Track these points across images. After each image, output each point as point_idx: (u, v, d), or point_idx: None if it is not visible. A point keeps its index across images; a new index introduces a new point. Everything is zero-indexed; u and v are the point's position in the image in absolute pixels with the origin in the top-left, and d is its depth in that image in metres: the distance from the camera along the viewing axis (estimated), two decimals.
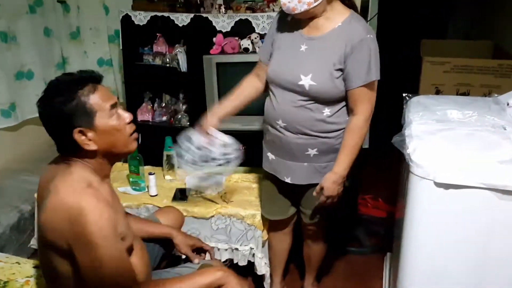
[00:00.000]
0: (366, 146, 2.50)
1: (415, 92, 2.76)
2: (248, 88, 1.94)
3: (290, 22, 1.79)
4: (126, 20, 2.94)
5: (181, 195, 2.29)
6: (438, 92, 2.78)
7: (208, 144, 1.82)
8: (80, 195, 1.23)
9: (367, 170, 2.96)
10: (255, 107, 2.83)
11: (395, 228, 2.21)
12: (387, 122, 2.43)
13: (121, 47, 3.07)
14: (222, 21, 2.80)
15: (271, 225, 2.14)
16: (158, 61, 3.05)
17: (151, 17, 2.90)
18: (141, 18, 2.91)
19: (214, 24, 2.81)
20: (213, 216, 2.17)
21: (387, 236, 2.64)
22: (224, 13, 2.84)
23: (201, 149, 1.81)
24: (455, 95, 2.69)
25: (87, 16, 3.30)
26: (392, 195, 3.02)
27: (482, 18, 4.15)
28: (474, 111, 1.71)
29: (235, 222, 2.16)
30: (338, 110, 1.74)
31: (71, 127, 1.27)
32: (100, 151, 1.33)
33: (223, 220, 2.17)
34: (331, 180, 1.76)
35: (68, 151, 1.33)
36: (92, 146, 1.31)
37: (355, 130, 1.72)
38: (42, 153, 3.09)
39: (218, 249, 2.20)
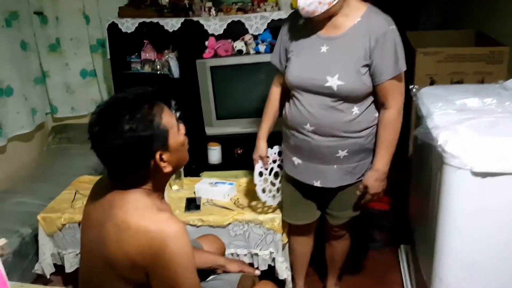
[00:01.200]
0: None
1: (410, 83, 2.79)
2: (277, 102, 1.94)
3: (303, 26, 1.75)
4: (112, 28, 2.84)
5: (193, 204, 2.22)
6: (432, 82, 2.81)
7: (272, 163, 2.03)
8: (161, 223, 1.13)
9: None
10: (253, 110, 2.81)
11: (412, 221, 2.23)
12: None
13: (108, 57, 2.97)
14: (214, 24, 2.75)
15: (294, 230, 2.10)
16: (147, 69, 2.97)
17: (139, 23, 2.81)
18: (128, 25, 2.82)
19: (206, 27, 2.76)
20: (230, 223, 2.11)
21: (396, 229, 2.66)
22: (215, 16, 2.78)
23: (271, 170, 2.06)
24: (451, 84, 2.73)
25: (67, 26, 3.18)
26: (391, 187, 3.05)
27: (456, 7, 4.24)
28: (493, 99, 1.73)
29: (253, 227, 2.11)
30: (366, 108, 1.72)
31: (152, 153, 1.17)
32: (171, 172, 1.24)
33: (240, 226, 2.11)
34: (374, 177, 1.75)
35: (136, 180, 1.21)
36: (168, 168, 1.22)
37: (390, 125, 1.71)
38: (29, 172, 2.97)
39: (238, 255, 2.14)
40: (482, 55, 2.71)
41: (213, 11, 2.79)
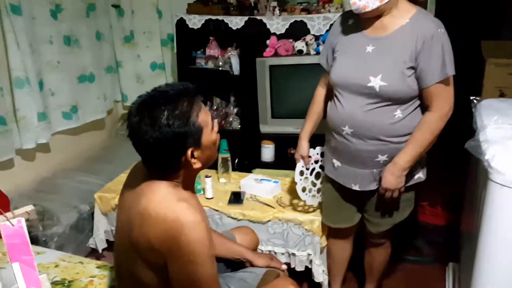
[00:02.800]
0: None
1: (477, 94, 2.64)
2: (322, 103, 1.94)
3: (352, 25, 1.74)
4: (180, 24, 2.96)
5: (236, 198, 2.27)
6: (502, 95, 2.64)
7: (314, 163, 2.04)
8: (177, 212, 1.18)
9: None
10: (306, 110, 2.80)
11: (462, 238, 2.12)
12: (447, 125, 2.32)
13: (175, 51, 3.09)
14: (277, 23, 2.77)
15: (333, 233, 2.08)
16: (210, 65, 3.06)
17: (206, 20, 2.90)
18: (195, 22, 2.93)
19: (268, 26, 2.79)
20: (269, 220, 2.13)
21: (448, 245, 2.54)
22: (279, 15, 2.81)
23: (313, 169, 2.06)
24: None
25: (141, 20, 3.36)
26: (451, 202, 2.91)
27: None
28: None
29: (292, 227, 2.11)
30: (410, 112, 1.66)
31: (184, 149, 1.22)
32: (200, 168, 1.29)
33: (280, 224, 2.13)
34: (390, 170, 1.69)
35: (166, 172, 1.26)
36: (198, 165, 1.26)
37: (425, 125, 1.64)
38: (95, 154, 3.18)
39: (275, 253, 2.16)
40: None
41: (277, 11, 2.82)
